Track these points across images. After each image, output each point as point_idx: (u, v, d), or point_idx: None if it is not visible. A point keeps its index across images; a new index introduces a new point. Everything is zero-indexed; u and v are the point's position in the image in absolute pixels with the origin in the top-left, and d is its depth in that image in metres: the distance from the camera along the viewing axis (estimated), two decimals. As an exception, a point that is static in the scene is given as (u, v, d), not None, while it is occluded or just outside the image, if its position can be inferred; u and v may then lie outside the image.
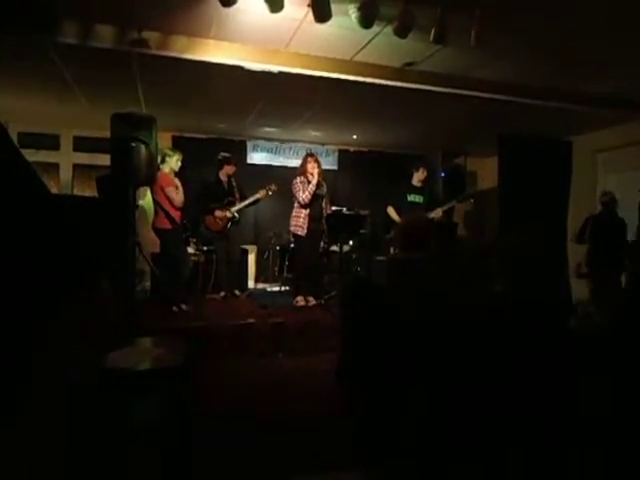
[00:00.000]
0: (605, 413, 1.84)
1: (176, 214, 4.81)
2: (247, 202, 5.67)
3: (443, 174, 6.80)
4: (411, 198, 5.52)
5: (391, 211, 5.49)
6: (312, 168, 5.10)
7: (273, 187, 5.60)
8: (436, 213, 5.42)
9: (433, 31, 3.17)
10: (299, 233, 5.19)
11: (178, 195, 4.76)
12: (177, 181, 4.87)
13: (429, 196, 5.62)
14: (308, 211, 5.15)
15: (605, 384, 1.90)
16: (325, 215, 5.26)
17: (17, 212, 0.78)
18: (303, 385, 3.55)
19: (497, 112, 5.27)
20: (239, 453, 2.45)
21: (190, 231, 5.79)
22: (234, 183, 5.72)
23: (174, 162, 4.88)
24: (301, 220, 5.17)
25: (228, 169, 5.66)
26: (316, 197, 5.15)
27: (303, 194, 5.08)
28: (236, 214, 5.62)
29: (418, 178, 5.57)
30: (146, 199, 5.49)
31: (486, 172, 7.80)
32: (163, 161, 4.84)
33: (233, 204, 5.60)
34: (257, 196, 5.66)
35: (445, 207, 5.52)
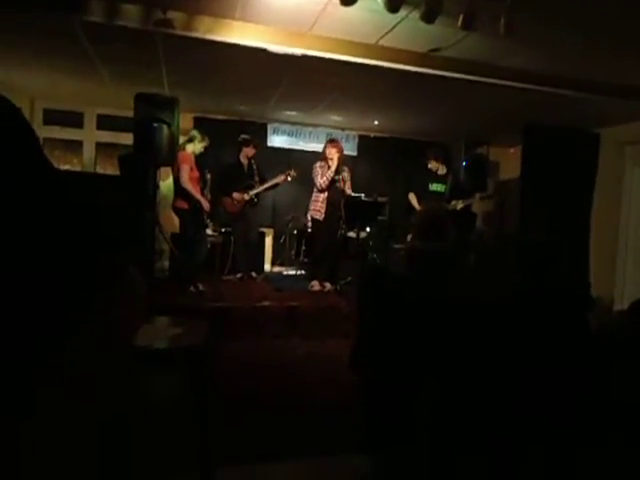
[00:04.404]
0: (623, 407, 1.84)
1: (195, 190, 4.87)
2: (266, 186, 5.69)
3: (465, 163, 6.71)
4: (433, 187, 5.48)
5: (412, 198, 5.47)
6: (332, 154, 5.15)
7: (293, 172, 5.61)
8: (454, 205, 5.36)
9: (461, 17, 3.10)
10: (317, 217, 5.32)
11: (187, 175, 4.81)
12: (194, 164, 4.94)
13: (451, 185, 5.55)
14: (326, 195, 5.24)
15: (622, 378, 1.88)
16: (346, 198, 5.24)
17: (32, 194, 0.80)
18: (316, 369, 3.60)
19: (523, 101, 5.13)
20: (252, 432, 2.51)
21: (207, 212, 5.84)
22: (254, 166, 5.73)
23: (199, 146, 5.01)
24: (319, 204, 5.29)
25: (248, 151, 5.67)
26: (334, 182, 5.19)
27: (321, 179, 5.20)
28: (255, 197, 5.64)
29: (435, 168, 5.50)
30: (166, 182, 5.56)
31: (508, 162, 7.67)
32: (190, 141, 4.96)
33: (252, 187, 5.62)
34: (276, 180, 5.67)
35: (466, 202, 5.43)
